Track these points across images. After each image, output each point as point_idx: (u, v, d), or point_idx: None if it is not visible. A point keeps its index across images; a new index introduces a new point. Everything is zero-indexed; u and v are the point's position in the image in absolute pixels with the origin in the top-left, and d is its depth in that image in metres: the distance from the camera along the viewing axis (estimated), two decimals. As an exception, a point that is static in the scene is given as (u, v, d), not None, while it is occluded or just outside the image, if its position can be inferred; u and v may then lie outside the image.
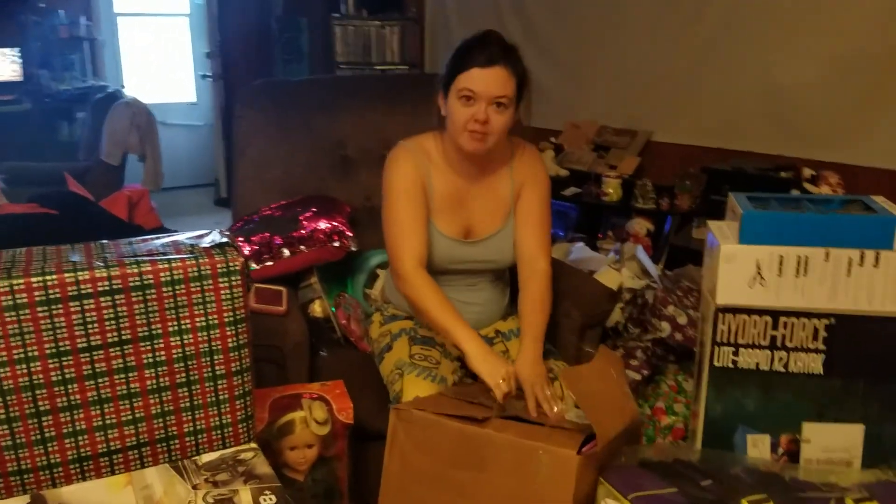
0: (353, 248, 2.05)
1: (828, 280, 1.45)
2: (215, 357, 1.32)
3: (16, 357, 1.18)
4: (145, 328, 1.26)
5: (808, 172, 3.20)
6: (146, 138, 4.77)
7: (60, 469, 1.25)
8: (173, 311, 1.27)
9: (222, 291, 1.29)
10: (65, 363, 1.22)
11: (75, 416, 1.24)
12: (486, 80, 1.63)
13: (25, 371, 1.20)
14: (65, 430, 1.24)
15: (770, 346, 1.48)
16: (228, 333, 1.32)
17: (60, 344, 1.21)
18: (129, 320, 1.24)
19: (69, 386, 1.23)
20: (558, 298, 1.87)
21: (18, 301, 1.17)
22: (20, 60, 5.27)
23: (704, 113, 3.64)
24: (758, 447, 1.52)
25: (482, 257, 1.83)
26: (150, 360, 1.27)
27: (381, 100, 2.38)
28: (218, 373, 1.33)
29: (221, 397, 1.34)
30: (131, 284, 1.23)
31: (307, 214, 2.07)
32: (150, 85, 6.50)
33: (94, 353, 1.23)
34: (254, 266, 1.95)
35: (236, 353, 1.33)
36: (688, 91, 3.68)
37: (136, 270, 1.23)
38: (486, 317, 1.89)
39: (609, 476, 1.38)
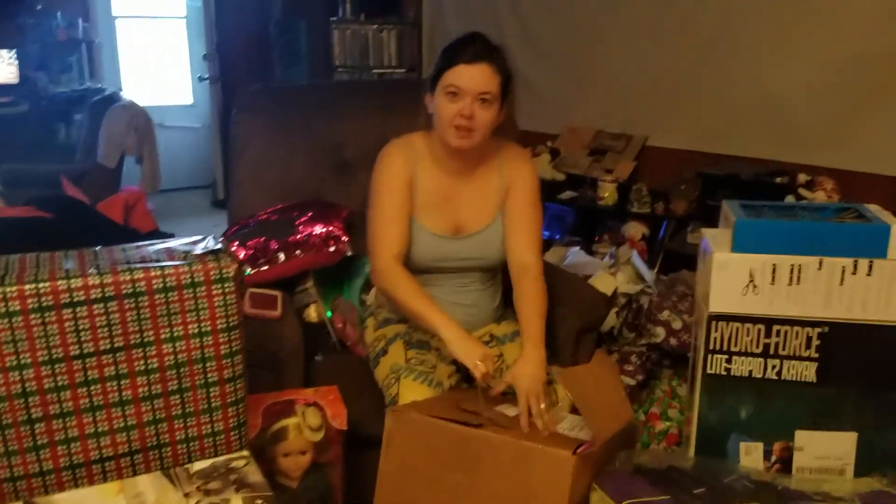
0: (349, 253, 2.05)
1: (821, 288, 1.45)
2: (208, 364, 1.32)
3: (8, 364, 1.18)
4: (138, 335, 1.26)
5: (803, 178, 3.20)
6: (144, 140, 4.77)
7: (53, 476, 1.25)
8: (166, 318, 1.27)
9: (215, 298, 1.29)
10: (57, 370, 1.22)
11: (68, 424, 1.24)
12: (472, 76, 1.68)
13: (18, 378, 1.20)
14: (57, 438, 1.24)
15: (763, 354, 1.48)
16: (221, 340, 1.32)
17: (53, 351, 1.21)
18: (121, 327, 1.24)
19: (62, 393, 1.23)
20: (553, 303, 1.87)
21: (11, 308, 1.17)
22: (17, 62, 5.26)
23: (700, 117, 3.64)
24: (751, 455, 1.52)
25: (470, 254, 1.84)
26: (143, 367, 1.27)
27: (380, 104, 2.38)
28: (210, 380, 1.33)
29: (214, 405, 1.34)
30: (124, 291, 1.23)
31: (303, 219, 2.07)
32: (148, 87, 6.50)
33: (87, 360, 1.23)
34: (249, 270, 1.95)
35: (229, 360, 1.33)
36: (684, 96, 3.68)
37: (128, 277, 1.23)
38: (477, 318, 1.89)
39: (602, 482, 1.39)
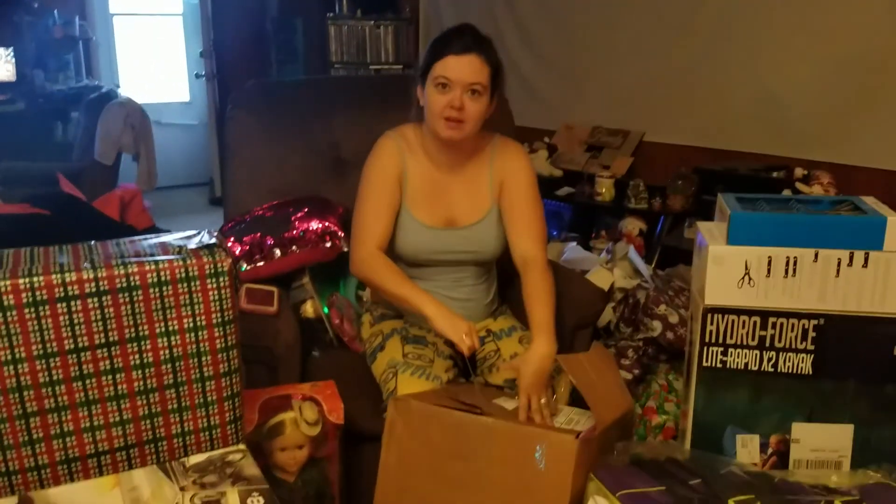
0: (346, 249, 2.05)
1: (817, 281, 1.45)
2: (203, 358, 1.31)
3: (3, 358, 1.18)
4: (132, 329, 1.25)
5: (800, 172, 3.21)
6: (140, 138, 4.76)
7: (48, 470, 1.25)
8: (161, 313, 1.27)
9: (210, 292, 1.29)
10: (52, 364, 1.21)
11: (63, 418, 1.24)
12: (461, 67, 1.68)
13: (13, 372, 1.19)
14: (53, 432, 1.24)
15: (759, 347, 1.48)
16: (216, 335, 1.31)
17: (48, 345, 1.20)
18: (116, 321, 1.24)
19: (57, 387, 1.22)
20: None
21: (6, 302, 1.16)
22: (14, 60, 5.26)
23: (697, 113, 3.64)
24: (747, 447, 1.52)
25: (464, 247, 1.84)
26: (138, 361, 1.27)
27: (375, 100, 2.38)
28: (206, 374, 1.32)
29: (209, 399, 1.34)
30: (118, 286, 1.23)
31: (299, 215, 2.06)
32: (145, 84, 6.50)
33: (82, 354, 1.23)
34: (245, 266, 1.95)
35: (224, 354, 1.33)
36: (681, 91, 3.68)
37: (123, 272, 1.23)
38: (472, 313, 1.88)
39: (599, 473, 1.39)
